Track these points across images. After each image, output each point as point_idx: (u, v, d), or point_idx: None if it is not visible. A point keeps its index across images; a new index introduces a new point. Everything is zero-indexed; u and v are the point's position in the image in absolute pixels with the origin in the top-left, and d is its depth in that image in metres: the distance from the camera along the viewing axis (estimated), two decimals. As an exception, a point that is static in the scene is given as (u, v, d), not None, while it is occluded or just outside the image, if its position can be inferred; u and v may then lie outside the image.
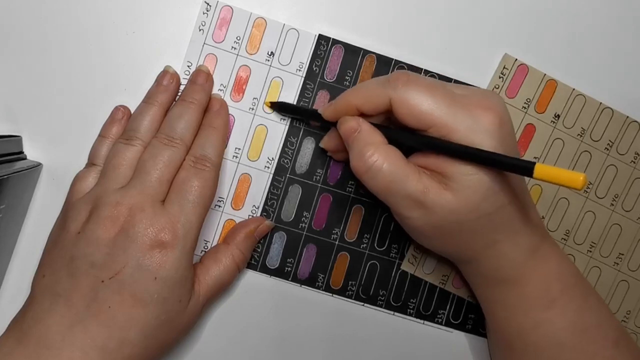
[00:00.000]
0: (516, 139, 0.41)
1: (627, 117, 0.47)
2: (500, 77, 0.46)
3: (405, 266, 0.46)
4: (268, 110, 0.45)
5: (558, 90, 0.46)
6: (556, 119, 0.46)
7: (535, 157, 0.46)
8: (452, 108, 0.37)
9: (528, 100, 0.46)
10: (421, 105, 0.37)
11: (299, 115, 0.45)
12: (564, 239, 0.47)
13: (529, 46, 0.46)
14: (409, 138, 0.39)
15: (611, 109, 0.46)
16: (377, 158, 0.37)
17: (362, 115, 0.40)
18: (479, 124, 0.37)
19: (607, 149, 0.47)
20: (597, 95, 0.46)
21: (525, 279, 0.40)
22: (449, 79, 0.45)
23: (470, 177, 0.37)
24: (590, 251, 0.47)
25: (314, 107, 0.45)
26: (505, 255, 0.40)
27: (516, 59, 0.46)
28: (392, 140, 0.39)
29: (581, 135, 0.47)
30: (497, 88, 0.46)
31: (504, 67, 0.46)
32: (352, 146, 0.39)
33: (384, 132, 0.39)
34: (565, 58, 0.46)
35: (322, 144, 0.45)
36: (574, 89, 0.46)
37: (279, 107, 0.45)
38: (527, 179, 0.42)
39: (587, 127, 0.47)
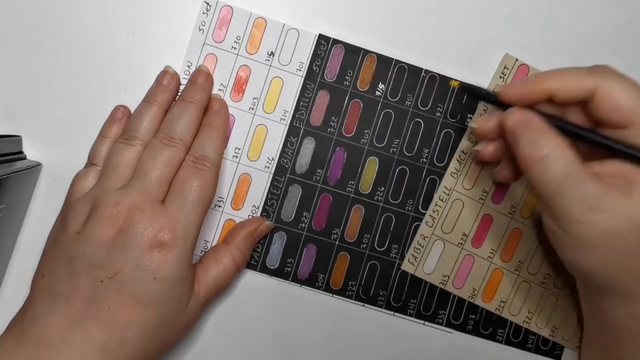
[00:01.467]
0: None
1: None
2: (500, 77, 0.46)
3: (406, 266, 0.46)
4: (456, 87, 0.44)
5: None
6: None
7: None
8: None
9: None
10: (629, 98, 0.35)
11: (478, 96, 0.44)
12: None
13: (529, 46, 0.46)
14: (591, 136, 0.37)
15: None
16: (552, 149, 0.35)
17: (549, 102, 0.38)
18: None
19: None
20: None
21: None
22: (449, 79, 0.45)
23: None
24: None
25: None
26: None
27: (517, 59, 0.46)
28: (569, 135, 0.37)
29: None
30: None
31: (505, 67, 0.46)
32: (523, 134, 0.37)
33: (560, 126, 0.37)
34: (565, 58, 0.46)
35: (473, 124, 0.42)
36: None
37: (470, 91, 0.43)
38: None
39: None
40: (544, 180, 0.36)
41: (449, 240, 0.46)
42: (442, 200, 0.46)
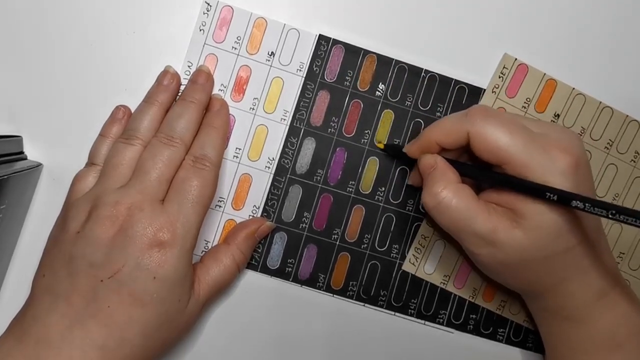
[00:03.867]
0: (594, 181, 0.43)
1: (627, 116, 0.47)
2: (500, 77, 0.46)
3: (407, 267, 0.46)
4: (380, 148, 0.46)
5: (558, 89, 0.46)
6: (556, 118, 0.46)
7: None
8: (529, 147, 0.37)
9: (528, 99, 0.46)
10: (498, 141, 0.38)
11: (393, 154, 0.46)
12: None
13: (528, 46, 0.46)
14: (484, 174, 0.40)
15: (611, 108, 0.46)
16: (447, 194, 0.39)
17: (443, 150, 0.41)
18: (554, 165, 0.37)
19: (607, 148, 0.47)
20: (597, 94, 0.46)
21: (592, 319, 0.40)
22: (449, 79, 0.45)
23: (543, 216, 0.37)
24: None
25: (401, 145, 0.45)
26: (572, 294, 0.40)
27: (516, 59, 0.46)
28: (468, 176, 0.41)
29: (581, 135, 0.46)
30: (497, 88, 0.46)
31: (504, 67, 0.46)
32: (425, 182, 0.41)
33: (460, 168, 0.41)
34: (564, 57, 0.46)
35: (409, 181, 0.46)
36: (573, 88, 0.46)
37: (390, 150, 0.46)
38: (604, 222, 0.44)
39: (587, 126, 0.46)
40: (442, 222, 0.40)
41: (449, 240, 0.46)
42: None
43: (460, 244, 0.41)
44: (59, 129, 0.43)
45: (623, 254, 0.47)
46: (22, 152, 0.43)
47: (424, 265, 0.46)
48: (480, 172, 0.40)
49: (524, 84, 0.46)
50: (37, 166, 0.42)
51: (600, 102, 0.46)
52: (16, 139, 0.42)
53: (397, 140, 0.45)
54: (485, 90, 0.46)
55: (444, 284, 0.46)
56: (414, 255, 0.46)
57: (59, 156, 0.43)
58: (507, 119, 0.39)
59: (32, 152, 0.43)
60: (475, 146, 0.39)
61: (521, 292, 0.44)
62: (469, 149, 0.40)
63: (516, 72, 0.46)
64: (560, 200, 0.35)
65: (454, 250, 0.46)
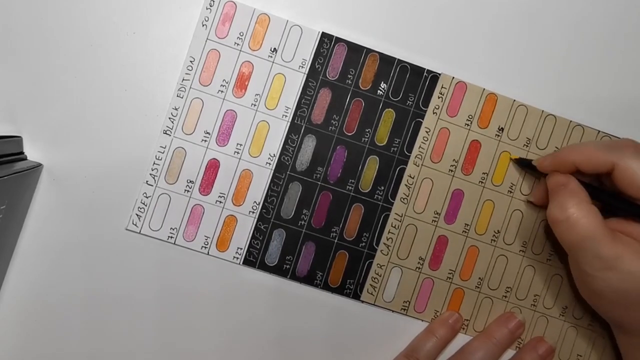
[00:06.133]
0: None
1: (571, 121, 0.46)
2: (439, 97, 0.45)
3: (365, 297, 0.46)
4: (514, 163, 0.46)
5: (499, 103, 0.46)
6: (500, 132, 0.46)
7: (484, 173, 0.46)
8: None
9: (470, 116, 0.46)
10: None
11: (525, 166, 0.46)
12: (523, 250, 0.47)
13: (531, 45, 0.46)
14: (617, 202, 0.41)
15: (554, 115, 0.46)
16: (576, 212, 0.39)
17: (577, 172, 0.41)
18: None
19: None
20: (538, 102, 0.46)
21: None
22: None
23: None
24: (550, 259, 0.48)
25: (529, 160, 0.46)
26: None
27: (453, 77, 0.45)
28: (598, 200, 0.41)
29: (527, 146, 0.46)
30: (438, 108, 0.45)
31: (442, 87, 0.45)
32: (554, 196, 0.41)
33: (591, 191, 0.41)
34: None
35: (531, 198, 0.46)
36: (514, 100, 0.46)
37: (520, 162, 0.46)
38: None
39: (532, 137, 0.46)
40: (565, 238, 0.40)
41: (406, 266, 0.46)
42: (394, 227, 0.46)
43: (572, 263, 0.41)
44: (59, 129, 0.43)
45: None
46: (22, 153, 0.42)
47: (382, 293, 0.46)
48: (613, 199, 0.41)
49: (464, 102, 0.46)
50: (37, 166, 0.42)
51: (543, 111, 0.46)
52: (16, 139, 0.41)
53: (397, 141, 0.45)
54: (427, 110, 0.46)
55: (404, 309, 0.46)
56: (371, 285, 0.46)
57: (59, 156, 0.43)
58: None
59: (32, 152, 0.42)
60: (619, 177, 0.39)
61: (619, 323, 0.43)
62: (601, 178, 0.41)
63: (455, 90, 0.45)
64: None
65: (411, 275, 0.46)
